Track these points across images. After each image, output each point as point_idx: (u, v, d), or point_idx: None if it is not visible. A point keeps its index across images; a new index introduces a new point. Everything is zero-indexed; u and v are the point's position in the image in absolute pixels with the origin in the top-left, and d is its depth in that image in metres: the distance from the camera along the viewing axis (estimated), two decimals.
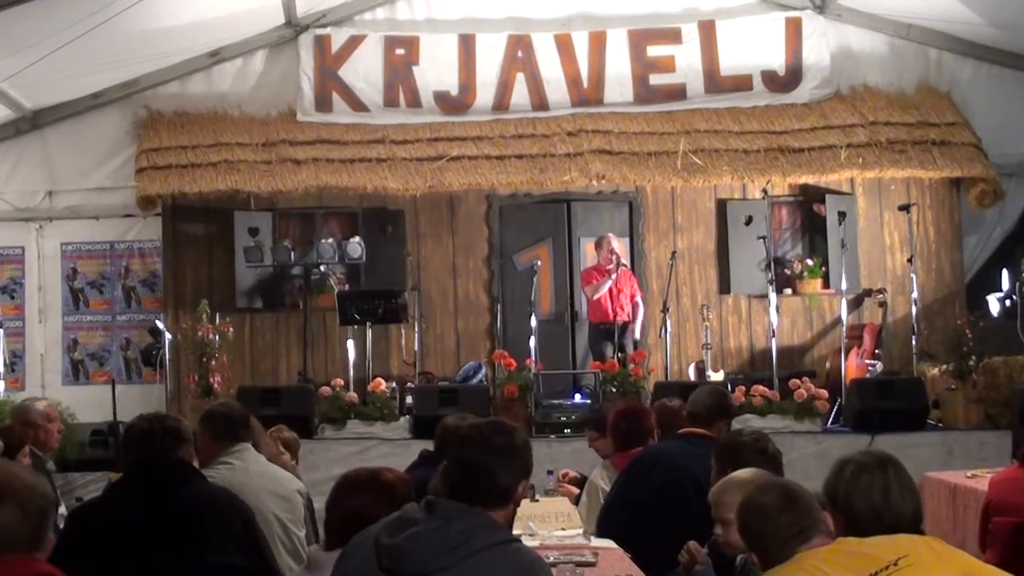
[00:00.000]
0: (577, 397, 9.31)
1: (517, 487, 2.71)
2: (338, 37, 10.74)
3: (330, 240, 10.41)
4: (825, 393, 9.08)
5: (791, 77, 10.81)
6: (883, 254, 11.00)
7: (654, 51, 10.76)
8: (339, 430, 9.04)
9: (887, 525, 2.63)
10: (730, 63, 10.73)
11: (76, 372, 10.84)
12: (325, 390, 9.21)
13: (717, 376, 9.97)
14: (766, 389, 9.11)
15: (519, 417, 9.02)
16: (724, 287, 10.95)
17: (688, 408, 4.86)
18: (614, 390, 9.14)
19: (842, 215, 10.13)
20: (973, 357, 8.86)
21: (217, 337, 9.49)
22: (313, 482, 5.78)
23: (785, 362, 10.07)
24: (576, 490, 5.79)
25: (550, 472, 6.88)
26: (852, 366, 9.83)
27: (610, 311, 9.88)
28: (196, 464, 4.00)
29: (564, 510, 5.21)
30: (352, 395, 9.19)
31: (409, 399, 9.43)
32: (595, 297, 9.89)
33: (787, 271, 10.91)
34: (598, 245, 10.11)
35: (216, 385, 9.29)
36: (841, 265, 9.94)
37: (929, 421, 8.89)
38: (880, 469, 2.70)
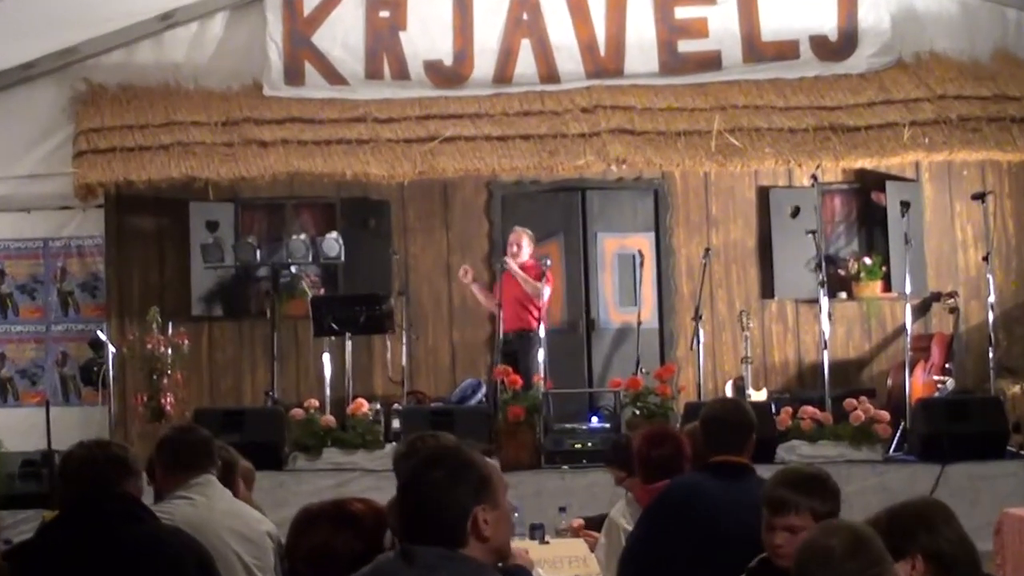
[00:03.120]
0: (594, 420, 9.30)
1: (468, 516, 2.72)
2: None
3: (303, 236, 10.40)
4: (886, 415, 9.06)
5: (845, 43, 10.80)
6: (954, 251, 10.99)
7: (683, 12, 10.75)
8: (313, 460, 9.04)
9: None
10: (773, 26, 10.73)
11: (3, 392, 10.84)
12: (297, 413, 9.21)
13: (759, 395, 9.97)
14: (817, 411, 9.10)
15: (526, 444, 9.03)
16: (767, 290, 10.94)
17: (709, 430, 4.81)
18: (636, 412, 9.13)
19: (905, 205, 10.12)
20: None
21: (170, 350, 9.49)
22: (282, 521, 5.70)
23: (839, 379, 10.05)
24: (596, 535, 5.78)
25: (562, 509, 6.87)
26: (918, 383, 9.81)
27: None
28: (147, 499, 3.98)
29: (579, 554, 5.20)
30: (329, 418, 9.18)
31: (396, 423, 9.43)
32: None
33: (841, 272, 10.90)
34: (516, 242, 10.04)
35: (168, 407, 9.29)
36: (904, 264, 9.92)
37: (1009, 448, 8.88)
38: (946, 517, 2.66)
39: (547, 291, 9.83)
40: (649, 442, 5.29)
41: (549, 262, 9.96)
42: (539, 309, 9.81)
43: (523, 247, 10.04)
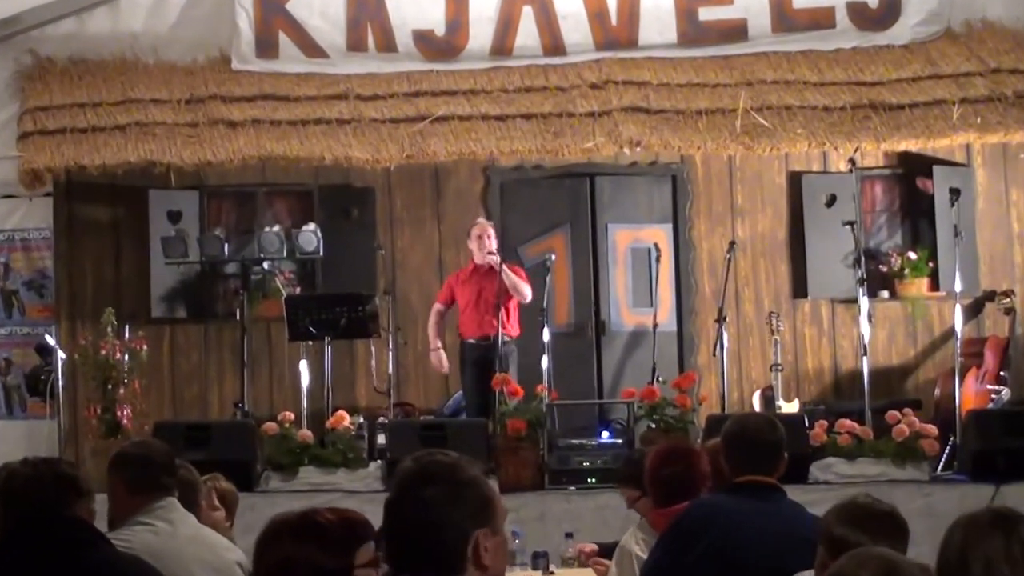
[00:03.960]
0: (604, 435, 9.31)
1: (468, 540, 2.70)
2: None
3: (276, 228, 10.40)
4: (934, 429, 9.05)
5: (887, 10, 10.79)
6: (1009, 245, 11.00)
7: None
8: (289, 480, 9.04)
9: None
10: None
11: None
12: (270, 427, 9.21)
13: (790, 406, 9.98)
14: (855, 424, 9.09)
15: (527, 462, 9.04)
16: (799, 289, 10.95)
17: (734, 449, 4.82)
18: (652, 426, 9.14)
19: (955, 193, 10.09)
20: None
21: (126, 357, 9.47)
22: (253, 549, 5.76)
23: (881, 388, 10.06)
24: (607, 564, 5.79)
25: (569, 535, 6.89)
26: (969, 393, 9.81)
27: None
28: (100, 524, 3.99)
29: None
30: (306, 433, 9.18)
31: (381, 439, 9.43)
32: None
33: (883, 268, 10.91)
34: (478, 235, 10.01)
35: (125, 420, 9.28)
36: (954, 259, 9.91)
37: None
38: (1003, 530, 2.69)
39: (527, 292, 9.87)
40: (661, 459, 5.27)
41: (554, 257, 9.97)
42: (516, 312, 9.89)
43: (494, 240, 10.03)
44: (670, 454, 5.34)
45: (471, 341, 9.96)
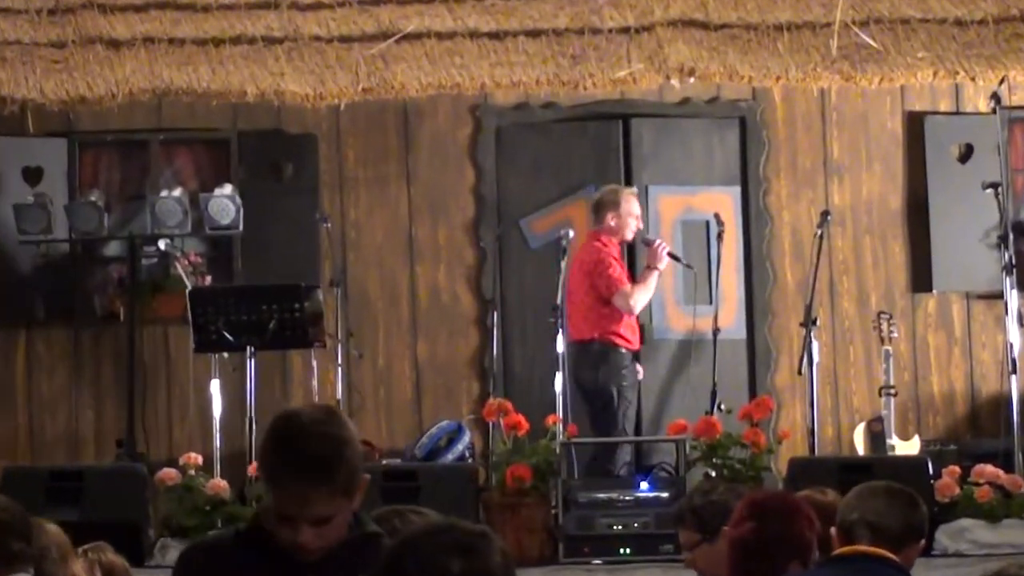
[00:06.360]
0: (644, 487, 9.29)
1: None
2: None
3: (177, 192, 10.41)
4: None
5: None
6: None
7: None
8: None
9: None
10: None
11: None
12: (168, 475, 9.19)
13: (908, 446, 9.97)
14: (1000, 471, 9.08)
15: (533, 524, 9.03)
16: (920, 280, 10.98)
17: (848, 517, 4.82)
18: (712, 473, 9.14)
19: None
20: None
21: None
22: None
23: None
24: None
25: None
26: None
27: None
28: None
29: None
30: (219, 484, 9.17)
31: None
32: (638, 310, 9.97)
33: None
34: (609, 205, 10.05)
35: None
36: None
37: None
38: None
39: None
40: (753, 510, 5.26)
41: (572, 234, 9.96)
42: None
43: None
44: (763, 504, 5.33)
45: (628, 352, 9.99)
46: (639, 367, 10.13)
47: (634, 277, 10.07)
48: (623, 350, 9.93)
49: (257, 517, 3.42)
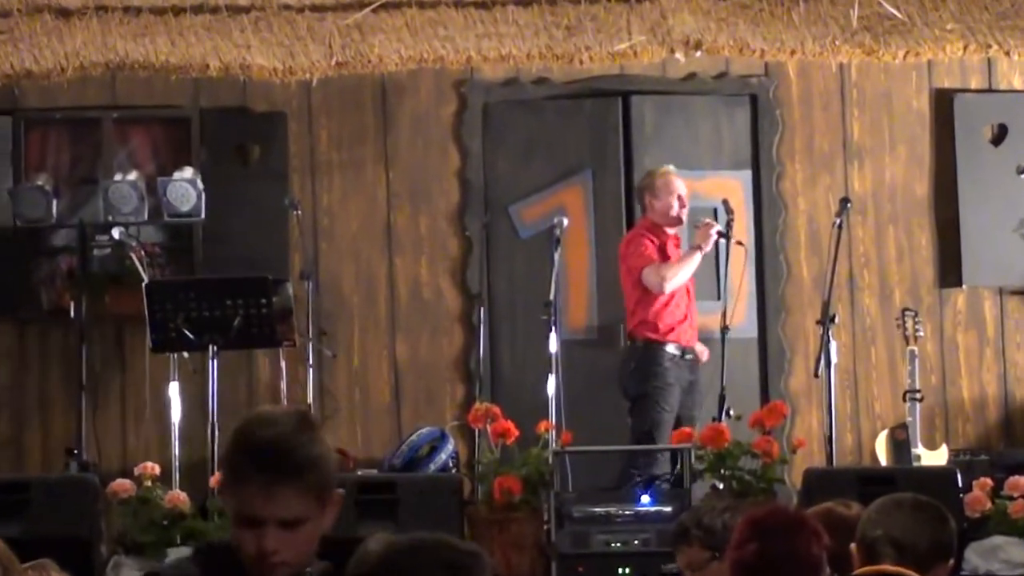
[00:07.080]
0: (644, 500, 9.32)
1: None
2: None
3: (132, 176, 10.45)
4: None
5: None
6: None
7: None
8: (150, 567, 9.05)
9: None
10: None
11: None
12: (122, 486, 9.21)
13: (935, 456, 10.02)
14: None
15: (524, 541, 9.06)
16: (949, 273, 11.03)
17: (870, 533, 4.87)
18: (719, 486, 9.17)
19: None
20: None
21: None
22: None
23: None
24: None
25: None
26: None
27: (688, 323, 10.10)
28: None
29: None
30: (178, 496, 9.20)
31: None
32: (670, 288, 9.94)
33: None
34: (645, 188, 10.12)
35: None
36: None
37: None
38: None
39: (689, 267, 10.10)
40: (755, 528, 5.30)
41: (566, 222, 9.98)
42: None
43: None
44: (767, 522, 5.37)
45: (678, 353, 10.05)
46: (701, 356, 10.20)
47: None
48: (662, 345, 9.99)
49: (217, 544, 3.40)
